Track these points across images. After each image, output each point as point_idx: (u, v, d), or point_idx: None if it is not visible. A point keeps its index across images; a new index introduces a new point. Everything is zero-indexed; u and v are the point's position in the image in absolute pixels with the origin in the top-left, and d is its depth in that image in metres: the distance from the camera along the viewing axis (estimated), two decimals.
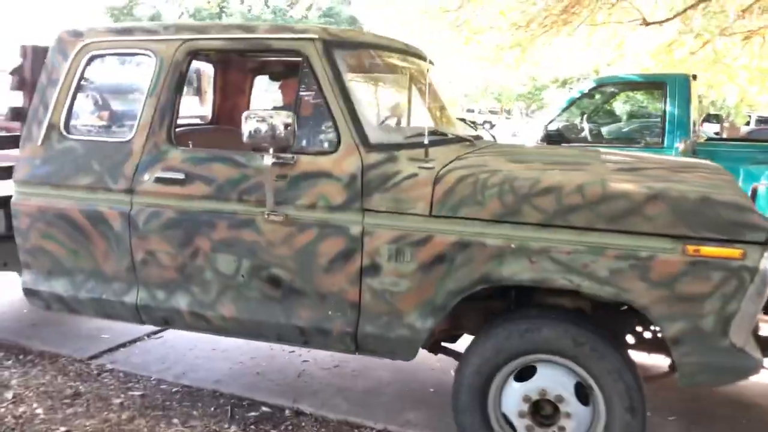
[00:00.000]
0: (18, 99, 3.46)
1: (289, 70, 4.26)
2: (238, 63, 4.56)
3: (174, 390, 3.55)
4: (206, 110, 4.82)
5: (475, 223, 2.63)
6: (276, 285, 2.94)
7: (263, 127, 2.72)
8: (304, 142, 3.11)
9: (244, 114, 2.73)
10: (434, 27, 10.94)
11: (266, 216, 2.89)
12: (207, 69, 4.88)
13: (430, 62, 3.70)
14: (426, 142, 2.78)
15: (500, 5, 10.17)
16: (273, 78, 4.46)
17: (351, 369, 3.86)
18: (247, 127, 2.72)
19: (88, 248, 3.24)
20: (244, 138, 2.73)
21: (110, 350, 4.02)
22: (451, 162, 2.83)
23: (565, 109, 6.58)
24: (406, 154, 2.87)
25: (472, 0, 10.08)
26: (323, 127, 3.11)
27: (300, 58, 3.01)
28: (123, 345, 4.09)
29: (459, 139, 3.40)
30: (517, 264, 2.57)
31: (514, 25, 10.81)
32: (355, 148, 2.84)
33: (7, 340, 4.07)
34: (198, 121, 4.80)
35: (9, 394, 3.40)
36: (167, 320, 3.19)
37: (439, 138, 3.18)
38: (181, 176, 3.05)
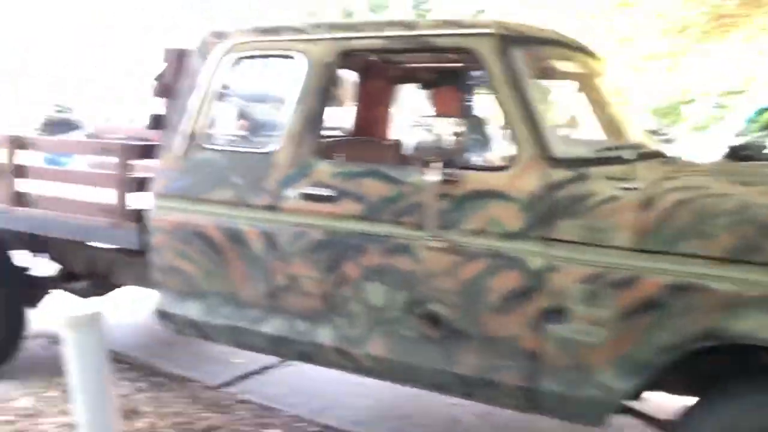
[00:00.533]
0: (160, 106, 3.24)
1: (443, 76, 3.83)
2: (382, 69, 4.18)
3: (312, 430, 3.18)
4: (344, 120, 4.49)
5: (700, 261, 2.06)
6: (435, 323, 2.50)
7: (430, 137, 2.29)
8: (472, 156, 2.65)
9: (410, 122, 2.32)
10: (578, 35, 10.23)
11: (426, 241, 2.45)
12: (348, 75, 4.56)
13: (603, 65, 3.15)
14: (632, 156, 2.24)
15: (655, 9, 9.32)
16: (424, 86, 4.05)
17: (508, 417, 3.34)
18: (413, 136, 2.30)
19: (225, 270, 2.94)
20: (410, 149, 2.32)
21: (243, 377, 3.74)
22: (659, 182, 2.27)
23: (752, 122, 5.71)
24: (601, 171, 2.34)
25: (623, 4, 9.32)
26: (495, 138, 2.64)
27: (467, 58, 2.57)
28: (256, 372, 3.80)
29: (655, 155, 2.82)
30: (757, 318, 1.97)
31: (667, 32, 9.91)
32: (536, 163, 2.34)
33: (140, 359, 3.89)
34: (337, 132, 4.48)
35: (141, 423, 3.17)
36: (307, 355, 2.82)
37: (632, 152, 2.62)
38: (330, 193, 2.68)
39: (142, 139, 3.52)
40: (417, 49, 2.78)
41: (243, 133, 3.13)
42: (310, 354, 2.81)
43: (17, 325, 3.78)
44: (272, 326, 2.86)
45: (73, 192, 3.44)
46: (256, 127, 3.16)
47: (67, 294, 4.06)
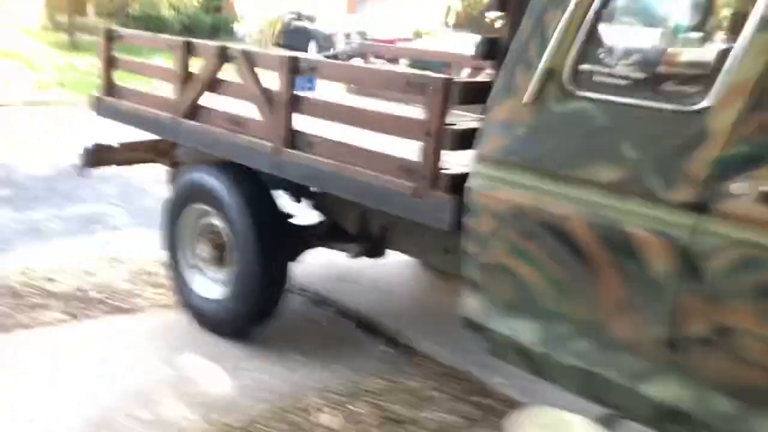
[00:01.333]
0: (495, 27, 2.22)
1: None
2: None
3: None
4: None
5: None
6: None
7: None
8: None
9: None
10: None
11: None
12: None
13: None
14: None
15: None
16: None
17: None
18: None
19: (590, 287, 1.91)
20: None
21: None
22: None
23: None
24: None
25: None
26: None
27: None
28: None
29: None
30: None
31: None
32: None
33: (468, 373, 3.05)
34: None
35: None
36: None
37: None
38: None
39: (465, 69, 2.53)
40: None
41: (642, 75, 2.01)
42: None
43: (278, 280, 3.13)
44: (665, 390, 1.81)
45: (359, 138, 2.59)
46: (668, 67, 2.03)
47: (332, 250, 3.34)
